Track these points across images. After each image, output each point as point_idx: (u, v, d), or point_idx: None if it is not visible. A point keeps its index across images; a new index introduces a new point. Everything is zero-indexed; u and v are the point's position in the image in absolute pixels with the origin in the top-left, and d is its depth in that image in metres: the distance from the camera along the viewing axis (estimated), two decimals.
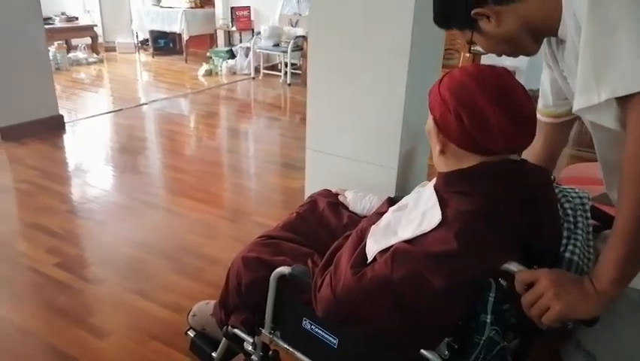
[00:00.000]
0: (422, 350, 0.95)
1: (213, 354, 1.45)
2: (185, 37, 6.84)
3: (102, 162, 3.65)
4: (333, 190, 1.50)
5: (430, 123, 0.98)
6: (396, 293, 0.92)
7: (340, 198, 1.46)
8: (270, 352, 1.32)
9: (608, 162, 1.01)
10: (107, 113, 4.66)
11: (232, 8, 6.58)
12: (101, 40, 7.30)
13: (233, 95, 5.78)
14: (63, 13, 7.31)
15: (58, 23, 6.87)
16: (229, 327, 1.32)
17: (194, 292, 2.04)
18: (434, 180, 1.02)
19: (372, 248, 0.99)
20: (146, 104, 5.01)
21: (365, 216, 1.32)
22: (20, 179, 3.15)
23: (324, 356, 1.13)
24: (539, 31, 0.96)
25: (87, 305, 2.03)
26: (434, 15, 1.06)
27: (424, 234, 0.91)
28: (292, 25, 6.21)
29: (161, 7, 7.04)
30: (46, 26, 6.37)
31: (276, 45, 6.11)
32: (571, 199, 1.02)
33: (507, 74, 0.94)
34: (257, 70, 6.34)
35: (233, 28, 6.71)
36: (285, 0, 6.28)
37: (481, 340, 0.91)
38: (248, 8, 6.67)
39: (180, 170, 3.52)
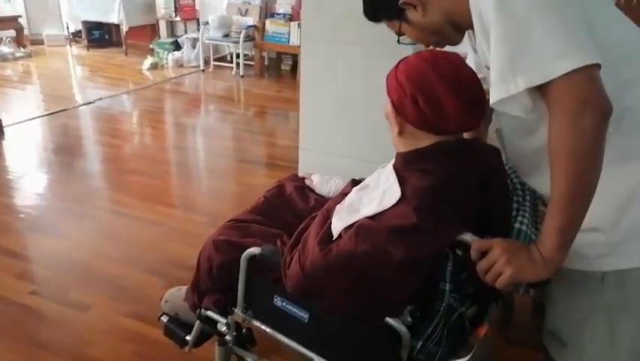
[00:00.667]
0: (387, 318, 1.00)
1: (187, 337, 1.48)
2: (124, 28, 6.38)
3: (53, 169, 3.32)
4: (300, 174, 1.55)
5: (388, 107, 1.03)
6: (361, 266, 0.97)
7: (307, 182, 1.50)
8: (244, 330, 1.34)
9: (517, 149, 1.08)
10: (48, 114, 4.23)
11: None
12: (26, 32, 6.66)
13: (183, 90, 5.48)
14: None
15: None
16: (202, 309, 1.35)
17: None
18: (393, 161, 1.07)
19: (337, 225, 1.04)
20: (90, 102, 4.62)
21: (328, 199, 1.36)
22: None
23: (296, 331, 1.18)
24: (459, 24, 1.03)
25: (79, 336, 1.82)
26: (364, 8, 1.12)
27: (385, 210, 0.96)
28: (241, 15, 5.97)
29: None
30: None
31: (226, 35, 5.85)
32: (519, 175, 1.11)
33: (460, 60, 0.99)
34: (206, 62, 6.05)
35: (177, 18, 6.36)
36: None
37: (441, 306, 0.99)
38: None
39: (144, 173, 3.27)
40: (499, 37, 0.83)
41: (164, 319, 1.55)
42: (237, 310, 1.29)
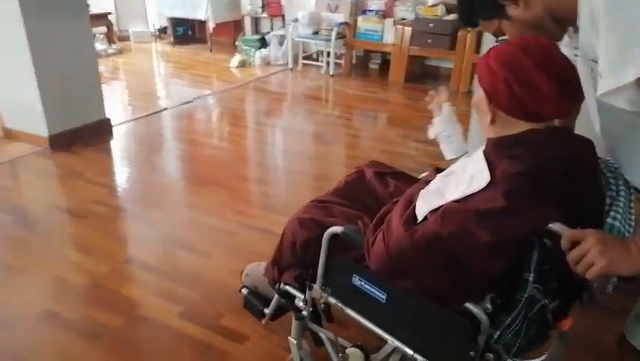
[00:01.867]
0: (467, 304, 1.00)
1: (265, 310, 1.55)
2: (210, 24, 6.34)
3: (174, 176, 3.23)
4: (430, 100, 1.43)
5: (479, 96, 1.03)
6: (446, 248, 0.97)
7: (429, 133, 1.40)
8: (322, 306, 1.34)
9: (615, 140, 1.06)
10: (150, 114, 4.19)
11: None
12: (114, 29, 6.75)
13: (275, 89, 5.34)
14: None
15: None
16: (281, 284, 1.41)
17: None
18: (482, 147, 1.06)
19: (423, 209, 1.05)
20: (188, 102, 4.55)
21: (408, 185, 1.34)
22: (91, 199, 2.73)
23: (372, 311, 1.19)
24: (562, 19, 1.03)
25: None
26: (459, 12, 1.17)
27: (473, 194, 0.96)
28: (331, 11, 5.77)
29: None
30: None
31: (316, 33, 5.67)
32: (613, 170, 1.08)
33: (551, 43, 1.00)
34: (294, 60, 5.90)
35: (264, 15, 6.24)
36: None
37: (523, 297, 0.98)
38: None
39: (259, 181, 3.14)
40: (608, 26, 0.83)
41: (245, 291, 1.62)
42: (316, 286, 1.31)
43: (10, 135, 3.49)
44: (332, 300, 1.29)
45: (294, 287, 1.39)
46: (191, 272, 2.14)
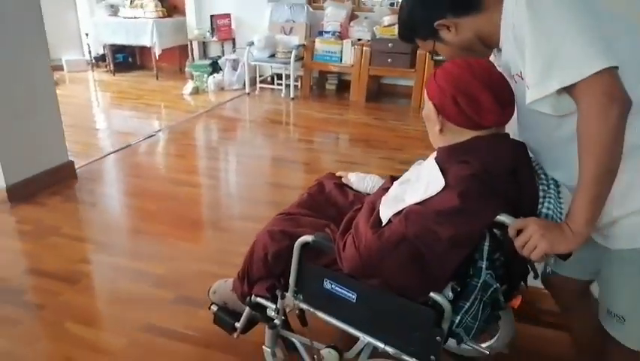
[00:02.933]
0: (432, 294, 1.12)
1: (236, 324, 1.61)
2: (157, 51, 5.99)
3: (159, 219, 2.90)
4: (337, 173, 1.67)
5: (428, 108, 1.18)
6: (411, 246, 1.08)
7: (344, 180, 1.63)
8: (297, 311, 1.41)
9: (538, 145, 1.20)
10: (116, 151, 3.84)
11: (212, 17, 5.87)
12: None
13: (240, 116, 5.12)
14: None
15: None
16: (252, 297, 1.48)
17: None
18: (433, 155, 1.21)
19: (386, 213, 1.16)
20: (152, 135, 4.24)
21: (368, 194, 1.52)
22: (76, 259, 2.40)
23: (344, 311, 1.30)
24: (487, 42, 1.19)
25: None
26: (400, 30, 1.30)
27: (431, 197, 1.08)
28: (285, 34, 5.67)
29: (123, 17, 6.11)
30: None
31: (272, 56, 5.55)
32: (543, 167, 1.22)
33: (491, 64, 1.16)
34: (251, 84, 5.72)
35: (213, 39, 6.01)
36: (274, 6, 5.72)
37: (478, 283, 1.12)
38: (228, 16, 6.00)
39: (252, 219, 2.94)
40: (534, 46, 0.98)
41: (214, 308, 1.67)
42: (289, 294, 1.40)
43: None
44: (304, 306, 1.39)
45: (266, 298, 1.46)
46: (221, 333, 1.91)
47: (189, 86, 5.65)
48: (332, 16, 5.57)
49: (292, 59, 5.34)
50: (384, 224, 1.15)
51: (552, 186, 1.17)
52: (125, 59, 6.76)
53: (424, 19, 1.21)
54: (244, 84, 5.84)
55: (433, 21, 1.19)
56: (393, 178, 1.37)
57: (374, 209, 1.21)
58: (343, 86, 5.87)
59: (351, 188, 1.61)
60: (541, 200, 1.15)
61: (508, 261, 1.13)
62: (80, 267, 2.34)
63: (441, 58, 1.27)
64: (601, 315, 1.25)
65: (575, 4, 0.97)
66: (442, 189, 1.07)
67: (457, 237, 1.06)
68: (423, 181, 1.14)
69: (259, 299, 1.47)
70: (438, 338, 1.15)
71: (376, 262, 1.13)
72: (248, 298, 1.49)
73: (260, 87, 5.80)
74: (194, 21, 6.19)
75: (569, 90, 0.97)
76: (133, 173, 3.64)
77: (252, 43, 5.52)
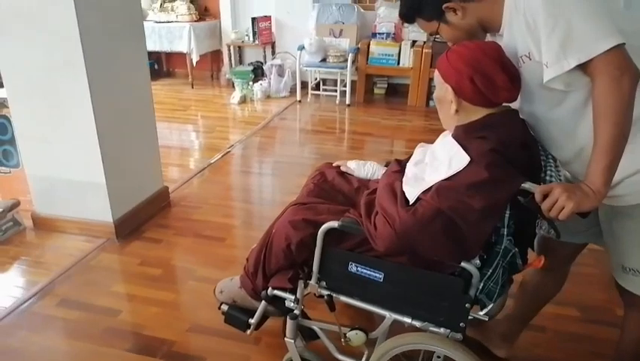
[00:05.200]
0: (463, 263, 1.20)
1: (250, 320, 1.60)
2: (194, 57, 5.57)
3: None
4: (334, 164, 1.69)
5: (443, 90, 1.24)
6: (445, 219, 1.14)
7: (342, 168, 1.65)
8: (325, 297, 1.43)
9: (539, 122, 1.29)
10: (200, 171, 3.46)
11: (254, 19, 5.49)
12: None
13: (310, 127, 4.74)
14: None
15: None
16: (268, 290, 1.49)
17: None
18: (444, 135, 1.33)
19: (413, 192, 1.22)
20: (228, 151, 3.85)
21: (369, 180, 1.59)
22: None
23: (370, 291, 1.34)
24: (488, 27, 1.29)
25: None
26: (403, 9, 1.36)
27: (458, 172, 1.15)
28: (335, 37, 5.36)
29: (155, 22, 5.65)
30: None
31: (323, 60, 5.23)
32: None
33: (498, 45, 1.22)
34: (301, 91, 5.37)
35: (255, 43, 5.63)
36: (321, 7, 5.39)
37: (500, 249, 1.21)
38: (269, 18, 5.64)
39: None
40: (549, 29, 1.09)
41: (224, 307, 1.64)
42: (312, 282, 1.41)
43: (44, 225, 2.60)
44: (326, 292, 1.42)
45: (283, 289, 1.47)
46: None
47: (236, 94, 5.26)
48: (385, 17, 5.28)
49: (349, 63, 5.03)
50: (411, 203, 1.20)
51: (550, 157, 1.28)
52: (152, 65, 6.28)
53: (434, 0, 1.27)
54: (290, 91, 5.51)
55: (442, 3, 1.26)
56: (399, 161, 1.45)
57: (394, 190, 1.27)
58: (393, 90, 5.60)
59: (352, 175, 1.63)
60: (543, 169, 1.25)
61: (522, 226, 1.26)
62: None
63: (439, 39, 1.38)
64: (616, 273, 1.35)
65: None
66: (468, 164, 1.14)
67: (488, 206, 1.13)
68: (443, 159, 1.22)
69: (276, 292, 1.47)
70: (467, 304, 1.24)
71: (414, 237, 1.17)
72: (264, 292, 1.49)
73: (312, 94, 5.44)
74: (229, 24, 5.80)
75: (583, 67, 1.08)
76: (232, 196, 3.27)
77: (302, 47, 5.18)
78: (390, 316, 1.34)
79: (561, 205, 1.08)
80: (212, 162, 3.63)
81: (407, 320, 1.32)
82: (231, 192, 3.34)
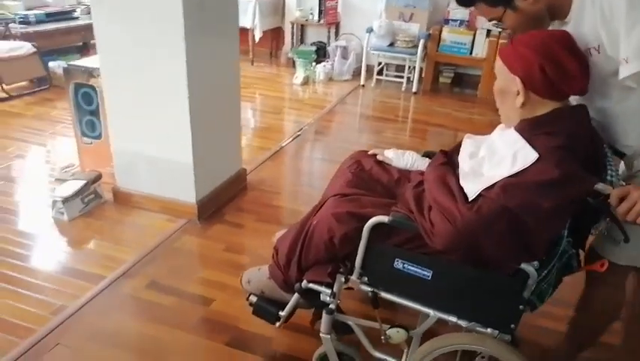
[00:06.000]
0: (523, 264, 1.15)
1: (280, 313, 1.54)
2: (257, 33, 5.44)
3: None
4: (370, 152, 1.61)
5: (507, 81, 1.18)
6: (512, 218, 1.08)
7: (379, 157, 1.56)
8: (370, 294, 1.35)
9: (612, 113, 1.26)
10: (272, 155, 3.35)
11: None
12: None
13: (376, 113, 4.56)
14: (80, 2, 5.56)
15: (81, 17, 5.17)
16: (303, 282, 1.41)
17: None
18: (502, 127, 1.29)
19: (473, 188, 1.16)
20: (298, 134, 3.73)
21: (409, 171, 1.52)
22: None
23: (416, 289, 1.29)
24: (555, 13, 1.25)
25: None
26: None
27: (525, 169, 1.09)
28: (404, 21, 5.13)
29: None
30: (66, 23, 4.77)
31: (391, 45, 5.03)
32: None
33: (567, 32, 1.18)
34: (367, 75, 5.19)
35: (320, 22, 5.45)
36: None
37: (559, 250, 1.19)
38: None
39: None
40: (631, 24, 1.06)
41: (253, 298, 1.58)
42: (354, 278, 1.34)
43: (124, 200, 2.55)
44: (366, 288, 1.34)
45: (320, 283, 1.40)
46: None
47: (300, 75, 5.11)
48: None
49: (420, 49, 4.83)
50: (471, 199, 1.14)
51: (609, 154, 1.22)
52: None
53: None
54: (352, 74, 5.34)
55: None
56: (444, 153, 1.38)
57: (447, 185, 1.21)
58: (458, 79, 5.36)
59: (389, 165, 1.56)
60: (605, 170, 1.20)
61: (577, 227, 1.21)
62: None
63: (499, 26, 1.30)
64: (598, 241, 1.35)
65: None
66: (536, 161, 1.08)
67: (559, 207, 1.08)
68: (505, 154, 1.16)
69: (311, 285, 1.40)
70: (521, 306, 1.20)
71: (477, 236, 1.11)
72: (297, 284, 1.43)
73: (377, 79, 5.26)
74: (294, 1, 5.63)
75: None
76: (309, 183, 3.17)
77: (370, 30, 4.98)
78: (434, 314, 1.30)
79: (639, 209, 1.04)
80: (283, 145, 3.52)
81: (452, 318, 1.28)
82: (307, 179, 3.24)
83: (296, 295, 1.47)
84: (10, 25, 4.29)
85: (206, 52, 2.28)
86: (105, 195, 2.59)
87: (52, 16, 4.81)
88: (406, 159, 1.55)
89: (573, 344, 1.60)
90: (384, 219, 1.23)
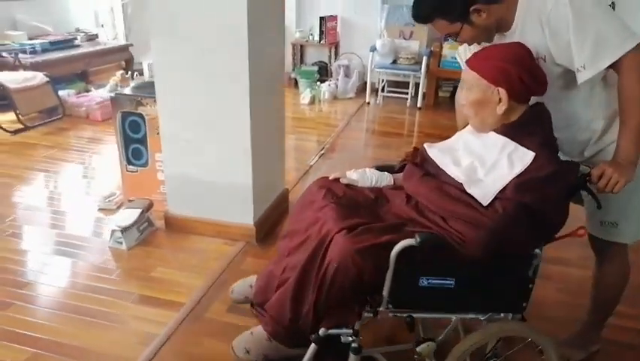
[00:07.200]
0: (536, 250, 1.30)
1: None
2: None
3: None
4: (331, 177, 1.57)
5: (485, 94, 1.32)
6: (530, 212, 1.23)
7: (344, 180, 1.55)
8: (407, 319, 1.34)
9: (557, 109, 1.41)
10: (304, 174, 3.40)
11: (322, 18, 5.44)
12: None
13: (385, 129, 4.69)
14: (78, 30, 5.53)
15: (82, 45, 5.14)
16: (320, 331, 1.37)
17: None
18: (490, 135, 1.36)
19: (487, 195, 1.27)
20: (321, 153, 3.80)
21: (380, 189, 1.54)
22: None
23: (443, 299, 1.33)
24: (502, 26, 1.39)
25: None
26: (423, 10, 1.38)
27: (527, 168, 1.24)
28: (405, 39, 5.30)
29: None
30: (69, 52, 4.75)
31: (393, 62, 5.18)
32: None
33: (523, 44, 1.33)
34: (371, 93, 5.32)
35: (322, 42, 5.57)
36: (391, 9, 5.33)
37: None
38: (336, 18, 5.59)
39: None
40: (582, 38, 1.25)
41: None
42: (382, 308, 1.33)
43: (177, 226, 2.54)
44: (400, 314, 1.34)
45: (338, 327, 1.37)
46: None
47: (306, 95, 5.20)
48: None
49: (423, 66, 4.99)
50: (486, 204, 1.25)
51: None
52: None
53: (463, 2, 1.32)
54: (356, 92, 5.46)
55: (469, 5, 1.32)
56: (415, 164, 1.48)
57: (449, 194, 1.31)
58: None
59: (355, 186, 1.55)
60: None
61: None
62: None
63: (454, 40, 1.41)
64: (594, 230, 1.55)
65: (600, 3, 1.29)
66: (533, 159, 1.24)
67: (564, 192, 1.27)
68: (498, 157, 1.30)
69: (330, 331, 1.37)
70: (530, 285, 1.34)
71: (507, 235, 1.23)
72: (314, 335, 1.38)
73: (382, 96, 5.39)
74: (293, 22, 5.74)
75: (612, 65, 1.26)
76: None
77: (374, 49, 5.13)
78: (456, 318, 1.43)
79: (615, 181, 1.25)
80: (311, 163, 3.58)
81: (472, 315, 1.39)
82: None
83: (312, 346, 1.41)
84: (20, 55, 4.23)
85: (263, 76, 2.33)
86: (156, 223, 2.58)
87: (55, 45, 4.77)
88: (369, 177, 1.55)
89: (597, 314, 1.75)
90: (412, 242, 1.22)
